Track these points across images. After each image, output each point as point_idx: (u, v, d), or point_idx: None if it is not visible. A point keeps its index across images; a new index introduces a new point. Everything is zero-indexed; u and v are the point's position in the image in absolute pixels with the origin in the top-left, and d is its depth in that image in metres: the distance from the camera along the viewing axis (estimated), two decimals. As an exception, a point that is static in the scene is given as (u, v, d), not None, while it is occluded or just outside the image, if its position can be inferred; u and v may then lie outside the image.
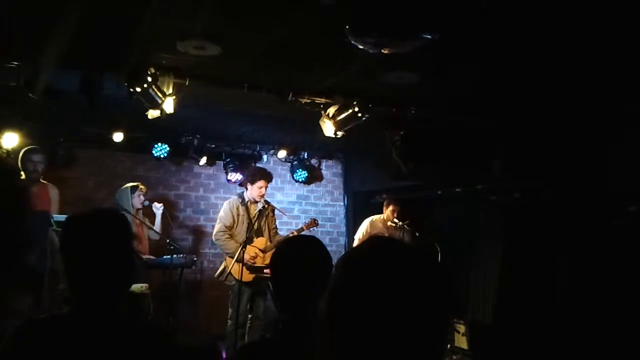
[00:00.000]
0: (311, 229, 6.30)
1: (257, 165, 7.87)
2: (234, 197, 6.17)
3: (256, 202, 6.01)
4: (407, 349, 0.97)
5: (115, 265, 1.79)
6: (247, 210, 6.02)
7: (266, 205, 6.06)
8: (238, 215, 5.99)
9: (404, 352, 0.97)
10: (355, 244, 6.74)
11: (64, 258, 1.76)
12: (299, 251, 1.96)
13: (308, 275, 1.85)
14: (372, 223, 6.90)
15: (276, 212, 6.27)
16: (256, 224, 5.97)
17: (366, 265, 1.03)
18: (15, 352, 1.59)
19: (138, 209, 6.38)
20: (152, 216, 6.64)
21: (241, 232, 5.93)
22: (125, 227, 1.88)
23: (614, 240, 5.03)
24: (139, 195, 6.36)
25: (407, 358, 0.97)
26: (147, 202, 6.50)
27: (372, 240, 1.11)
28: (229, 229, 5.93)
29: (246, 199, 6.05)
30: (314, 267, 1.88)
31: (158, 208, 6.57)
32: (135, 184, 6.42)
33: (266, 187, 6.03)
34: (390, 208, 6.72)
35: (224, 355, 5.84)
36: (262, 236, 6.05)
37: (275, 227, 6.32)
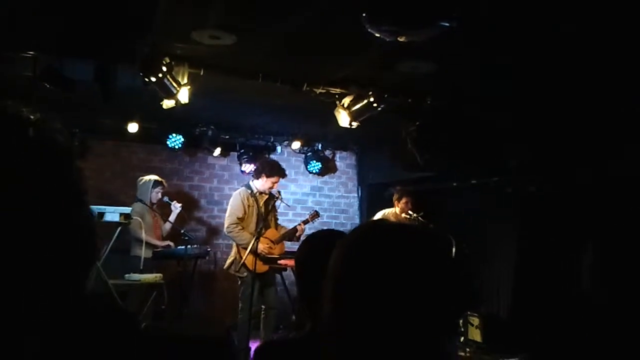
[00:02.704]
0: (315, 220, 6.26)
1: (271, 156, 7.87)
2: (242, 188, 6.08)
3: (264, 193, 5.99)
4: (413, 335, 0.93)
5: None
6: (257, 201, 5.99)
7: (270, 195, 6.04)
8: (249, 206, 5.95)
9: (411, 339, 0.93)
10: None
11: None
12: (329, 247, 1.88)
13: None
14: (384, 217, 6.85)
15: (277, 201, 6.19)
16: (265, 214, 5.97)
17: (368, 250, 0.98)
18: None
19: (153, 203, 6.43)
20: (167, 210, 6.68)
21: (251, 224, 5.90)
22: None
23: (630, 232, 4.96)
24: (158, 192, 6.42)
25: (414, 344, 0.93)
26: (166, 198, 6.54)
27: (370, 224, 1.07)
28: (241, 220, 5.91)
29: (254, 190, 5.99)
30: None
31: (177, 207, 6.61)
32: (160, 179, 6.48)
33: (277, 182, 6.03)
34: (404, 200, 6.64)
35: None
36: (270, 226, 6.04)
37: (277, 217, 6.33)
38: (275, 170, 6.00)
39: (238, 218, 5.86)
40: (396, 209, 6.72)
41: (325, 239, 1.90)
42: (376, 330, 0.92)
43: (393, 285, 0.93)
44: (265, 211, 5.95)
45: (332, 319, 0.98)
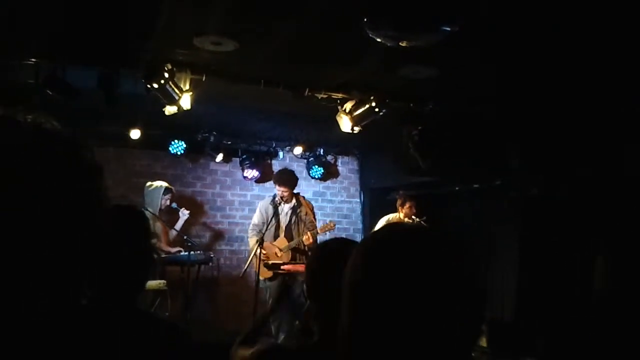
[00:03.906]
0: (327, 232, 6.20)
1: (273, 162, 7.89)
2: (268, 196, 6.24)
3: (287, 201, 6.06)
4: (433, 344, 0.90)
5: (133, 260, 1.79)
6: (276, 209, 6.06)
7: (298, 203, 6.06)
8: (267, 214, 6.05)
9: (431, 348, 0.90)
10: None
11: None
12: (341, 256, 1.86)
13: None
14: (389, 222, 6.84)
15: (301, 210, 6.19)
16: (286, 222, 5.98)
17: (386, 256, 0.94)
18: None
19: (161, 210, 6.54)
20: (174, 216, 6.74)
21: (270, 231, 6.00)
22: (144, 222, 1.89)
23: (633, 234, 4.95)
24: (167, 199, 6.54)
25: (435, 353, 0.90)
26: (174, 205, 6.63)
27: (389, 227, 1.05)
28: (257, 226, 6.00)
29: (276, 198, 6.12)
30: None
31: (185, 214, 6.71)
32: (169, 186, 6.59)
33: (287, 191, 6.05)
34: (407, 205, 6.62)
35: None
36: (292, 234, 6.04)
37: (312, 223, 6.19)
38: (276, 179, 6.22)
39: (254, 224, 6.03)
40: (400, 214, 6.71)
41: (337, 247, 1.91)
42: (395, 339, 0.90)
43: (412, 291, 0.90)
44: (285, 219, 6.01)
45: (350, 326, 0.95)
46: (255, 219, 6.11)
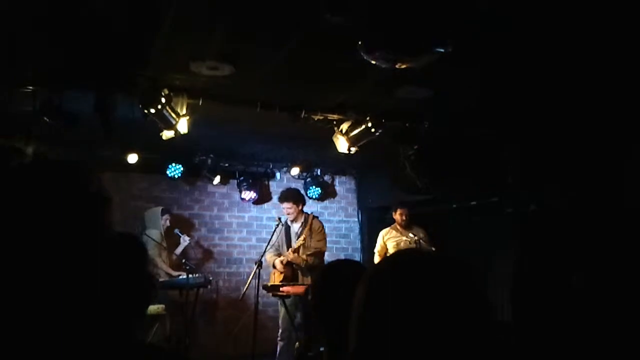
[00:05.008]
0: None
1: (271, 183, 7.91)
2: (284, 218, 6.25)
3: (295, 220, 6.06)
4: None
5: (132, 289, 1.78)
6: (288, 229, 6.07)
7: (305, 223, 6.05)
8: (281, 234, 6.04)
9: None
10: (376, 258, 6.69)
11: None
12: (347, 277, 1.88)
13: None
14: (386, 232, 6.84)
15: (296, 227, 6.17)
16: (297, 242, 5.98)
17: (392, 286, 0.95)
18: None
19: (164, 231, 6.68)
20: (175, 240, 6.84)
21: (283, 249, 6.02)
22: (142, 250, 1.88)
23: (631, 252, 4.95)
24: (166, 219, 6.72)
25: None
26: (177, 231, 6.78)
27: (392, 258, 1.05)
28: (274, 245, 6.08)
29: (287, 219, 6.13)
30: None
31: (186, 240, 6.87)
32: (163, 208, 6.81)
33: (290, 208, 6.03)
34: (399, 212, 6.68)
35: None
36: (299, 253, 6.00)
37: (318, 241, 6.04)
38: (279, 197, 6.25)
39: (271, 244, 6.03)
40: (396, 225, 6.75)
41: (342, 269, 1.94)
42: None
43: (419, 320, 0.90)
44: (295, 238, 6.01)
45: (358, 354, 0.96)
46: (271, 240, 6.09)
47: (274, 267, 5.98)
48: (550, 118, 4.92)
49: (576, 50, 3.56)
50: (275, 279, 5.96)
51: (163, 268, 6.39)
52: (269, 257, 6.06)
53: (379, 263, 1.07)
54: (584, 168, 5.08)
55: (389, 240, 6.66)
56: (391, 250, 6.47)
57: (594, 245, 5.32)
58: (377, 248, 6.80)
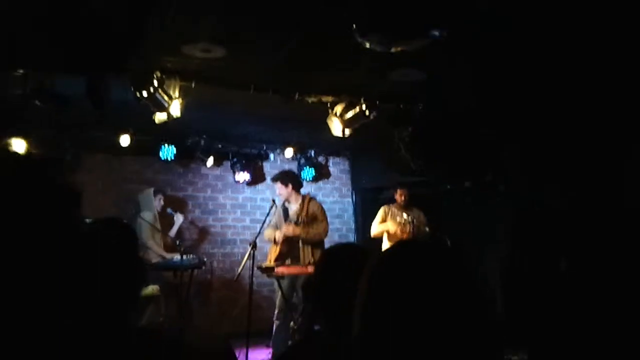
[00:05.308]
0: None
1: (264, 164, 7.90)
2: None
3: (291, 202, 6.05)
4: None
5: (123, 274, 1.78)
6: (286, 210, 6.07)
7: (303, 205, 6.04)
8: (275, 215, 6.05)
9: None
10: (374, 225, 6.71)
11: None
12: (347, 262, 1.90)
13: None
14: (387, 207, 6.86)
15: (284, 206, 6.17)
16: (294, 221, 5.98)
17: (395, 275, 0.99)
18: None
19: (158, 212, 6.67)
20: (169, 221, 6.85)
21: (282, 230, 6.01)
22: (132, 235, 1.88)
23: (625, 241, 4.99)
24: (159, 199, 6.71)
25: None
26: (170, 210, 6.78)
27: (397, 247, 1.08)
28: (273, 225, 6.07)
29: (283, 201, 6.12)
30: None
31: (179, 218, 6.90)
32: (155, 188, 6.78)
33: (282, 189, 6.01)
34: (399, 192, 6.71)
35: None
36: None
37: (311, 222, 5.98)
38: (272, 178, 6.24)
39: (269, 225, 6.03)
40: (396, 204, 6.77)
41: (343, 253, 1.97)
42: (405, 354, 0.94)
43: (419, 307, 0.94)
44: (293, 218, 6.00)
45: (360, 341, 0.99)
46: (272, 220, 6.13)
47: (275, 242, 5.94)
48: (550, 118, 4.92)
49: (576, 50, 3.55)
50: (272, 255, 5.95)
51: (155, 250, 6.37)
52: (268, 232, 6.03)
53: (381, 253, 1.10)
54: (584, 168, 5.08)
55: (389, 215, 6.69)
56: (390, 224, 6.50)
57: (586, 236, 5.35)
58: (378, 219, 6.81)
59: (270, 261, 5.92)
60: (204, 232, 7.67)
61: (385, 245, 6.76)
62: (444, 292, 0.95)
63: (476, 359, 0.95)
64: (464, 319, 0.94)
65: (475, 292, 0.98)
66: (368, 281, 1.01)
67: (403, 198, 6.70)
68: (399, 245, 1.09)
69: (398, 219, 6.59)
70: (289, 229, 5.87)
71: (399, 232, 6.58)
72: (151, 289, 5.79)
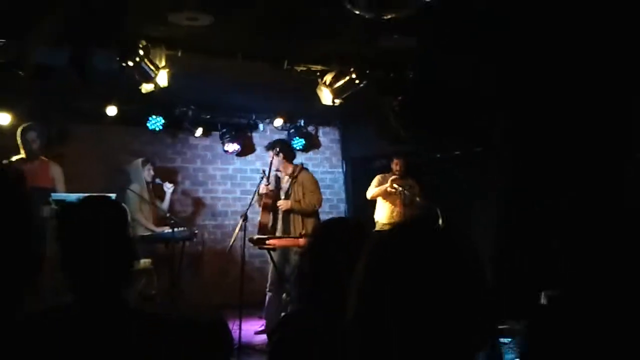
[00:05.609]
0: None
1: (254, 134, 7.84)
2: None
3: (283, 172, 6.00)
4: (441, 344, 0.93)
5: (115, 252, 1.76)
6: (279, 181, 6.03)
7: (294, 176, 5.99)
8: (274, 188, 5.99)
9: (438, 348, 0.93)
10: (371, 189, 6.71)
11: (61, 247, 1.72)
12: (340, 236, 1.90)
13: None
14: (379, 178, 6.86)
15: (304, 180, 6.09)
16: (285, 190, 5.94)
17: (391, 255, 0.99)
18: (17, 351, 1.54)
19: (148, 182, 6.52)
20: (159, 192, 6.76)
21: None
22: (122, 213, 1.86)
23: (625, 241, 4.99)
24: (149, 169, 6.53)
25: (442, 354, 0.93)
26: (158, 180, 6.66)
27: (393, 229, 1.07)
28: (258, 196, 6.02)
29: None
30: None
31: (168, 188, 6.73)
32: (144, 158, 6.57)
33: (271, 157, 5.92)
34: (395, 162, 6.72)
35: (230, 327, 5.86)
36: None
37: (310, 197, 5.93)
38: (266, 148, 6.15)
39: (255, 196, 5.98)
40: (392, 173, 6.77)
41: (336, 227, 2.00)
42: (401, 337, 0.94)
43: (416, 290, 0.94)
44: (286, 187, 5.97)
45: (356, 323, 0.99)
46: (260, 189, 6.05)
47: (259, 195, 5.87)
48: (550, 117, 4.88)
49: (577, 50, 3.50)
50: (262, 216, 5.89)
51: (143, 223, 6.29)
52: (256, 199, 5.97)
53: (380, 235, 1.09)
54: (584, 168, 5.06)
55: (382, 184, 6.69)
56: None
57: (590, 242, 5.35)
58: (374, 184, 6.83)
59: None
60: (194, 204, 7.64)
61: (378, 214, 6.79)
62: (438, 276, 0.95)
63: (468, 341, 0.96)
64: (458, 304, 0.95)
65: (468, 273, 0.98)
66: (365, 266, 1.01)
67: (399, 167, 6.69)
68: (394, 229, 1.09)
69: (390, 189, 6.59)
70: (281, 204, 5.85)
71: (389, 202, 6.60)
72: (143, 262, 5.77)
